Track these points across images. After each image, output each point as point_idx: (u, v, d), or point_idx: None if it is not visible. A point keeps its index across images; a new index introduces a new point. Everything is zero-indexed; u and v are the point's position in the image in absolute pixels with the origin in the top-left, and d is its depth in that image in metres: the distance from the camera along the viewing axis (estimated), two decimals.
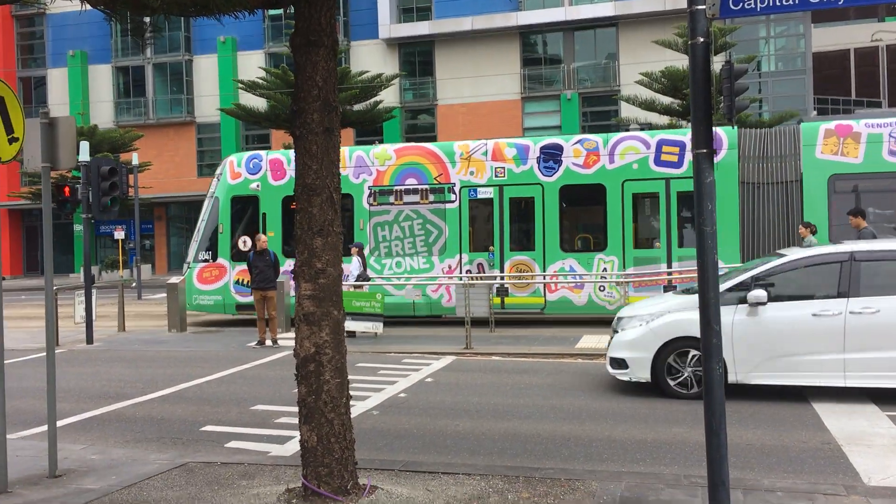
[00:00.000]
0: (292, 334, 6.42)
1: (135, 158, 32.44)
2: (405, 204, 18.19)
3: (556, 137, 18.10)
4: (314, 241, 5.98)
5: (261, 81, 34.49)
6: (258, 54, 43.26)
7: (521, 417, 8.95)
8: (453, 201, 17.85)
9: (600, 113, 39.72)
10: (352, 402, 6.19)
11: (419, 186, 18.10)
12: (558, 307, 17.34)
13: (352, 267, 16.29)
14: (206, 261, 19.08)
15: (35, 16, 47.22)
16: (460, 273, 17.64)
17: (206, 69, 44.57)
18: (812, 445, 7.55)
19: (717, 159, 16.20)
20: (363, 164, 18.60)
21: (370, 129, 38.27)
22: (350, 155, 18.72)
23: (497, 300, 17.01)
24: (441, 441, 8.02)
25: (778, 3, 4.99)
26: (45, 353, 12.80)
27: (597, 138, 17.51)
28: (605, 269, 17.02)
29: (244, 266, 17.84)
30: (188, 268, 19.37)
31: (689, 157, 16.62)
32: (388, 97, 38.70)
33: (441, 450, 7.68)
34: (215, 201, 19.19)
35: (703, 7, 5.11)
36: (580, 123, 39.55)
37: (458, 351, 13.90)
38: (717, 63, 25.08)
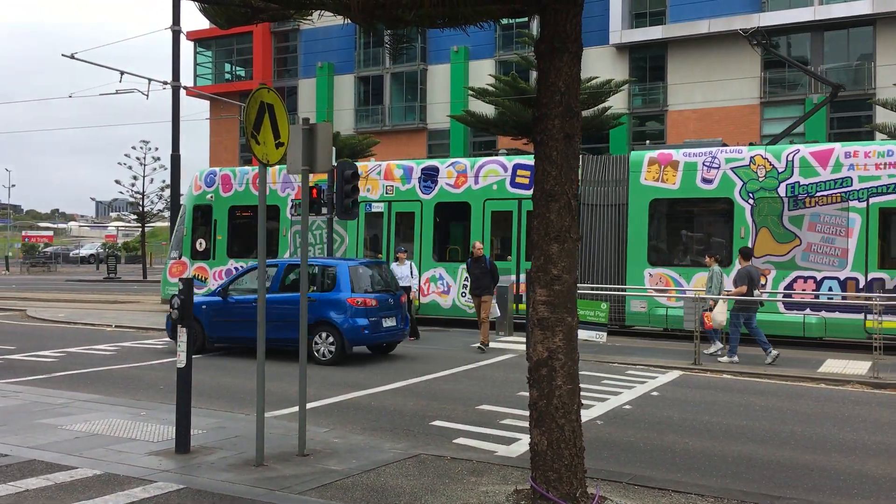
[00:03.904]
0: (514, 338, 6.49)
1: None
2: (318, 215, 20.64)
3: (434, 160, 20.38)
4: (551, 246, 6.00)
5: (490, 88, 35.22)
6: (488, 62, 44.32)
7: (757, 441, 8.44)
8: None
9: (850, 119, 36.53)
10: None
11: None
12: (429, 309, 19.42)
13: (404, 270, 16.91)
14: (174, 258, 22.36)
15: (290, 32, 51.60)
16: None
17: (438, 78, 46.39)
18: None
19: None
20: (288, 179, 21.29)
21: (597, 136, 37.89)
22: (279, 172, 21.33)
23: None
24: (669, 457, 7.76)
25: None
26: None
27: (465, 161, 19.69)
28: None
29: (201, 264, 22.33)
30: (166, 264, 23.20)
31: None
32: (616, 103, 38.05)
33: (670, 467, 7.43)
34: (183, 209, 23.08)
35: None
36: (827, 130, 36.58)
37: (685, 366, 13.39)
38: None
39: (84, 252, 75.01)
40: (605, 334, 15.35)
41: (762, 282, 15.21)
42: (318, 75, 49.68)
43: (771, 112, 38.52)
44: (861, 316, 15.31)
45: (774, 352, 13.58)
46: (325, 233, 20.48)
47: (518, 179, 18.78)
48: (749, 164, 16.48)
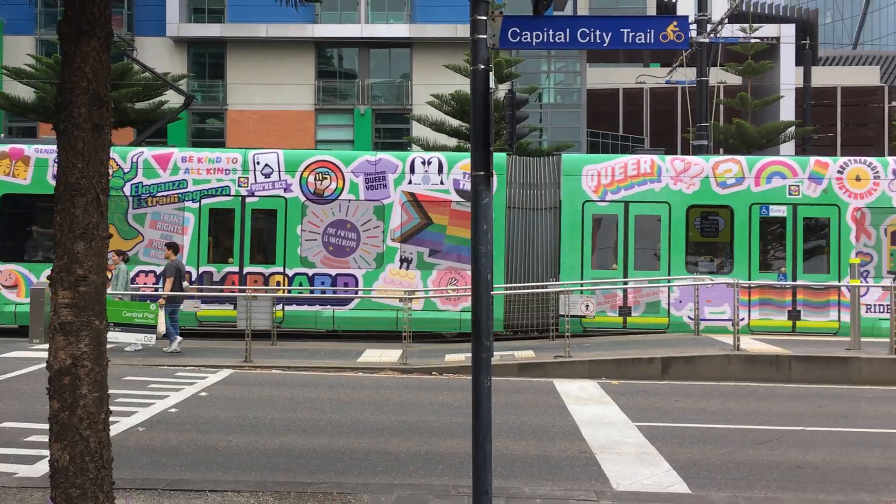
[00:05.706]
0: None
1: None
2: None
3: None
4: (76, 245, 5.55)
5: (29, 69, 31.66)
6: (28, 39, 39.66)
7: (298, 432, 8.83)
8: None
9: (392, 130, 40.38)
10: (115, 419, 5.82)
11: None
12: None
13: None
14: None
15: None
16: None
17: None
18: (570, 454, 8.08)
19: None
20: None
21: (155, 131, 36.29)
22: None
23: None
24: (212, 458, 7.72)
25: (550, 40, 5.37)
26: None
27: None
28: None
29: None
30: None
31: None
32: (175, 98, 36.91)
33: (211, 467, 7.40)
34: None
35: (485, 37, 5.39)
36: (373, 139, 39.94)
37: (236, 364, 13.47)
38: (504, 92, 26.26)
39: None
40: (154, 337, 14.75)
41: (108, 276, 16.39)
42: None
43: (324, 119, 40.84)
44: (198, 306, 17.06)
45: (179, 339, 14.82)
46: None
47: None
48: None
